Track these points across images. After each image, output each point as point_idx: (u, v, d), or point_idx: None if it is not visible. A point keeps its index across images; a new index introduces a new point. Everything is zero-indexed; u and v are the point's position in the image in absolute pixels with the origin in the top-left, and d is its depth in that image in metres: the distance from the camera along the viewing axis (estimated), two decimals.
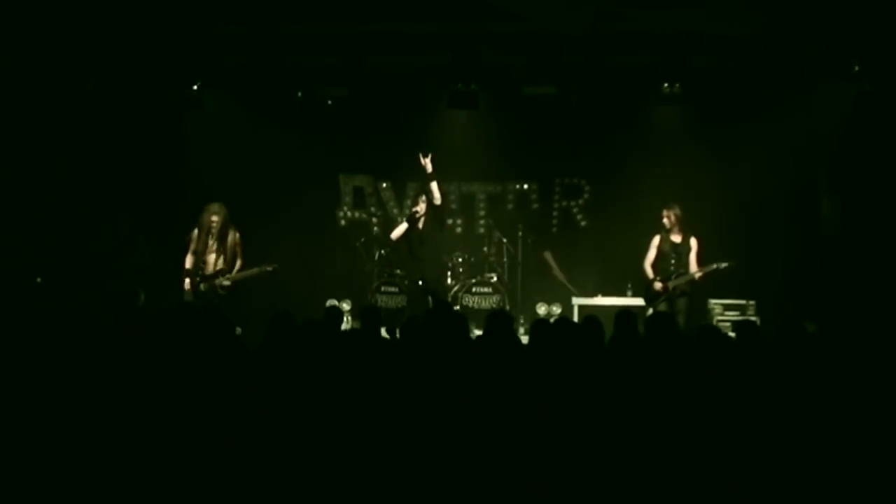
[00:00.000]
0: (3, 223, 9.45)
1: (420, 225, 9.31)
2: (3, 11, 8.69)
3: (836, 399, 4.06)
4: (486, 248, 10.49)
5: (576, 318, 9.40)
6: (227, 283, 8.73)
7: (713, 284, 9.23)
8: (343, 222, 11.26)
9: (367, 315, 6.17)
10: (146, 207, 10.41)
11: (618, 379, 4.36)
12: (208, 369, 4.33)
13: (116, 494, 3.61)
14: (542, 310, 10.38)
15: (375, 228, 11.14)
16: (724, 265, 8.91)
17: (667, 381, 4.28)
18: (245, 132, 10.52)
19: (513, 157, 10.89)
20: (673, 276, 8.99)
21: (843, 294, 9.42)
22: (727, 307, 9.69)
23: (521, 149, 10.84)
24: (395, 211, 11.12)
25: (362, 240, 10.66)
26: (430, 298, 8.97)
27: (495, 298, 9.97)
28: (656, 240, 9.16)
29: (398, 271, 9.85)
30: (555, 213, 11.12)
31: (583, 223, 11.06)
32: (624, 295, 10.00)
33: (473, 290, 10.01)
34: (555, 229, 11.12)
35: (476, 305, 9.85)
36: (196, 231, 8.83)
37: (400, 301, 9.61)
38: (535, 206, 11.08)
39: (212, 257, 8.78)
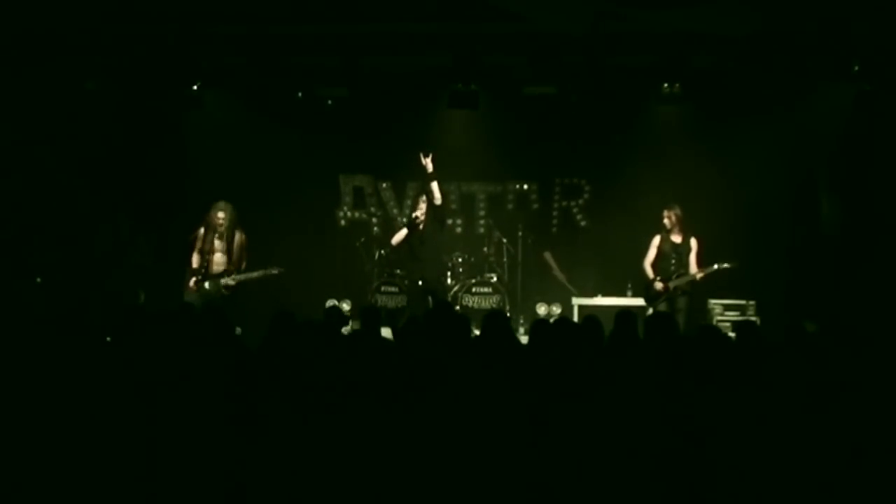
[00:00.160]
0: (3, 223, 9.44)
1: (420, 225, 9.31)
2: (4, 12, 8.68)
3: (836, 399, 4.06)
4: (486, 248, 10.49)
5: (576, 318, 9.40)
6: (231, 282, 8.72)
7: (713, 284, 9.24)
8: (343, 222, 11.26)
9: (367, 315, 6.16)
10: (146, 207, 10.41)
11: (618, 379, 4.36)
12: (208, 369, 4.33)
13: (117, 494, 3.61)
14: (542, 310, 10.38)
15: (375, 228, 11.14)
16: (725, 266, 8.91)
17: (667, 382, 4.28)
18: (245, 132, 10.53)
19: (513, 157, 10.89)
20: (673, 276, 8.99)
21: (843, 294, 9.42)
22: (727, 307, 9.69)
23: (521, 149, 10.84)
24: (395, 211, 11.12)
25: (362, 240, 10.66)
26: (430, 298, 8.98)
27: (495, 298, 9.97)
28: (656, 240, 9.16)
29: (398, 271, 9.86)
30: (555, 213, 11.12)
31: (583, 223, 11.06)
32: (624, 295, 10.00)
33: (473, 290, 10.01)
34: (555, 229, 11.12)
35: (476, 305, 9.85)
36: (202, 230, 8.83)
37: (400, 301, 9.62)
38: (535, 206, 11.08)
39: (217, 257, 8.78)
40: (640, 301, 9.33)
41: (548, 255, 10.72)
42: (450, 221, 10.62)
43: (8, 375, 4.19)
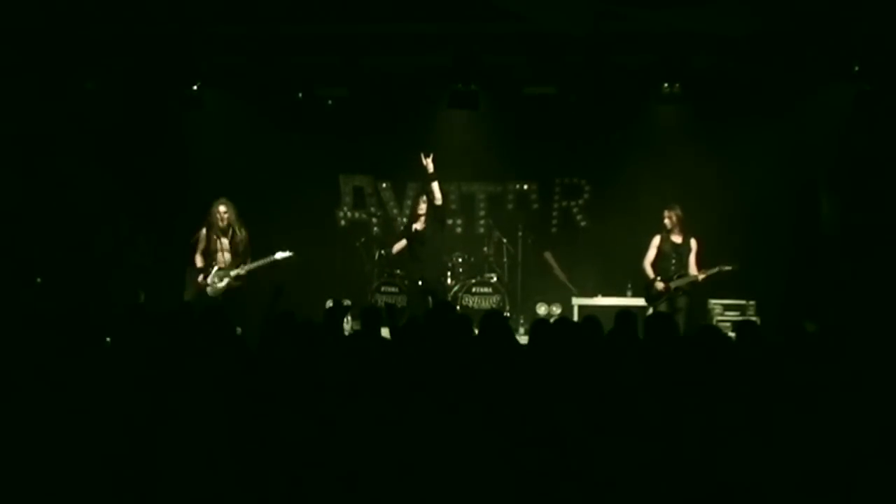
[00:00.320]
0: (3, 223, 9.45)
1: (420, 225, 9.32)
2: (4, 11, 8.68)
3: (836, 399, 4.06)
4: (486, 248, 10.49)
5: (576, 318, 9.40)
6: (242, 272, 8.71)
7: (713, 284, 9.23)
8: (343, 222, 11.26)
9: (368, 315, 6.16)
10: (146, 207, 10.41)
11: (617, 379, 4.36)
12: (209, 369, 4.33)
13: (117, 495, 3.61)
14: (542, 310, 10.38)
15: (375, 228, 11.15)
16: (727, 268, 8.91)
17: (666, 381, 4.28)
18: (245, 132, 10.52)
19: (513, 157, 10.89)
20: (674, 277, 8.99)
21: (843, 294, 9.42)
22: (727, 307, 9.70)
23: (521, 149, 10.84)
24: (395, 211, 11.12)
25: (362, 240, 10.66)
26: (430, 298, 8.98)
27: (495, 298, 9.98)
28: (656, 240, 9.16)
29: (398, 271, 9.86)
30: (555, 213, 11.12)
31: (583, 223, 11.06)
32: (624, 295, 10.00)
33: (473, 290, 10.02)
34: (555, 229, 11.12)
35: (476, 305, 9.86)
36: (204, 231, 8.82)
37: (400, 301, 9.62)
38: (535, 206, 11.09)
39: (221, 255, 8.77)
40: (640, 301, 9.33)
41: (548, 255, 10.72)
42: (450, 221, 10.63)
43: (8, 376, 4.19)
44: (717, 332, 5.14)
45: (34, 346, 4.58)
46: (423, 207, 9.30)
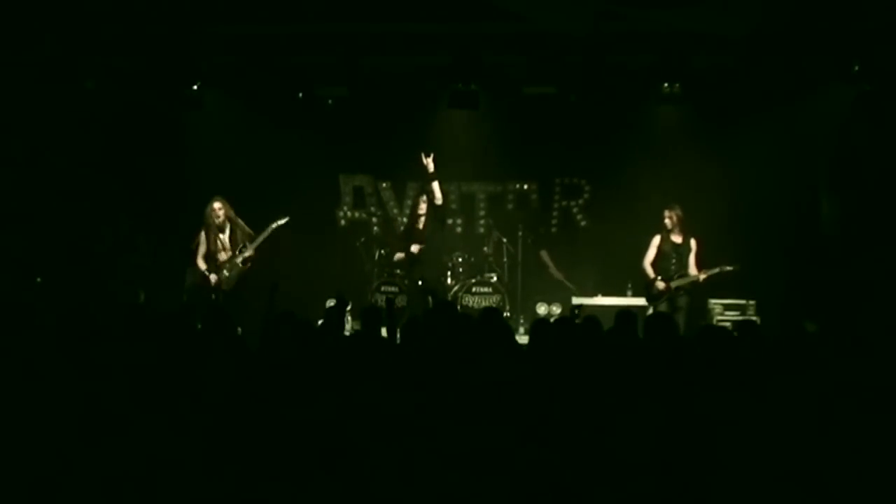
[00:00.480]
0: (3, 223, 9.45)
1: (420, 225, 9.32)
2: (4, 11, 8.68)
3: (836, 399, 4.06)
4: (486, 248, 10.50)
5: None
6: (249, 252, 8.70)
7: (713, 284, 9.24)
8: (343, 222, 11.27)
9: (368, 315, 6.17)
10: (146, 207, 10.41)
11: (617, 379, 4.36)
12: (209, 369, 4.33)
13: (118, 496, 3.61)
14: (542, 310, 10.38)
15: (375, 228, 11.15)
16: (728, 269, 8.92)
17: (666, 381, 4.29)
18: (245, 132, 10.52)
19: (513, 157, 10.89)
20: (675, 276, 8.99)
21: (843, 294, 9.42)
22: (727, 307, 9.69)
23: (521, 149, 10.84)
24: (395, 211, 11.12)
25: (362, 240, 10.66)
26: (430, 298, 8.98)
27: (495, 298, 9.98)
28: (656, 239, 9.16)
29: (398, 271, 9.86)
30: (555, 213, 11.13)
31: (583, 223, 11.07)
32: (624, 295, 10.00)
33: (473, 290, 10.02)
34: (555, 229, 11.13)
35: (476, 305, 9.86)
36: (203, 234, 8.80)
37: (400, 301, 9.62)
38: (535, 206, 11.09)
39: (224, 255, 8.77)
40: (640, 301, 9.33)
41: (544, 254, 10.72)
42: (450, 221, 10.63)
43: (8, 376, 4.19)
44: (718, 332, 5.14)
45: (34, 347, 4.58)
46: (423, 207, 9.30)
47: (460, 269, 10.20)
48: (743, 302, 9.67)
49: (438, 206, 9.21)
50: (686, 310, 9.00)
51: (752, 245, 9.76)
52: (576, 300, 9.99)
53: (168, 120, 10.49)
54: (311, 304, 9.27)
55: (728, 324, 9.14)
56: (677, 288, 8.97)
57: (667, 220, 9.12)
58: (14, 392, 4.06)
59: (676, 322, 7.54)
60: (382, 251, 10.23)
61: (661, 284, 9.00)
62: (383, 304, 9.33)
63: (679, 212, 9.12)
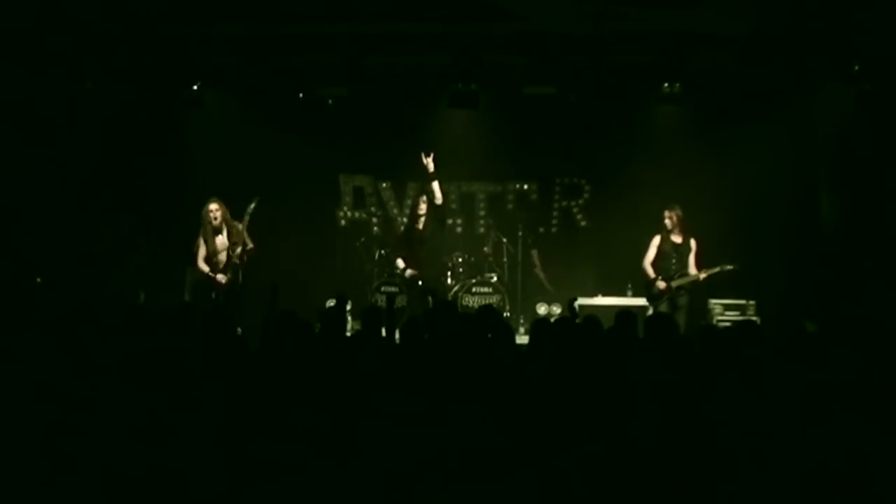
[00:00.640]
0: (3, 223, 9.44)
1: (420, 225, 9.32)
2: (4, 11, 8.68)
3: (836, 399, 4.06)
4: (486, 248, 10.50)
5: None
6: (238, 250, 8.66)
7: (713, 284, 9.23)
8: (343, 222, 11.27)
9: (369, 315, 6.17)
10: (146, 207, 10.40)
11: (618, 379, 4.37)
12: (209, 369, 4.33)
13: (117, 496, 3.61)
14: (542, 310, 10.39)
15: (375, 228, 11.15)
16: (728, 268, 8.91)
17: (667, 381, 4.29)
18: (245, 132, 10.52)
19: (513, 157, 10.90)
20: (675, 276, 8.99)
21: (843, 294, 9.42)
22: (727, 307, 9.69)
23: (521, 149, 10.84)
24: (395, 211, 11.13)
25: (362, 240, 10.66)
26: (430, 298, 8.98)
27: (495, 298, 9.97)
28: (656, 239, 9.15)
29: (398, 271, 9.86)
30: (555, 213, 11.13)
31: (583, 223, 11.07)
32: (624, 295, 10.00)
33: (473, 290, 10.01)
34: (555, 229, 11.13)
35: (476, 306, 9.85)
36: (201, 237, 8.79)
37: (400, 301, 9.62)
38: (535, 206, 11.09)
39: (223, 256, 8.76)
40: (640, 301, 9.32)
41: (534, 253, 10.72)
42: (450, 221, 10.63)
43: (8, 376, 4.20)
44: (718, 332, 5.15)
45: (34, 347, 4.58)
46: (423, 207, 9.30)
47: (460, 269, 10.20)
48: (743, 302, 9.66)
49: (438, 206, 9.21)
50: (686, 309, 8.99)
51: (752, 245, 9.76)
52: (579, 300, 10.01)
53: (168, 120, 10.49)
54: (311, 305, 9.28)
55: (728, 324, 9.14)
56: (678, 287, 8.97)
57: (667, 220, 9.12)
58: (14, 392, 4.06)
59: (677, 322, 7.56)
60: (382, 251, 10.23)
61: (661, 284, 9.00)
62: (383, 304, 9.34)
63: (679, 212, 9.12)
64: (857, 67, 9.25)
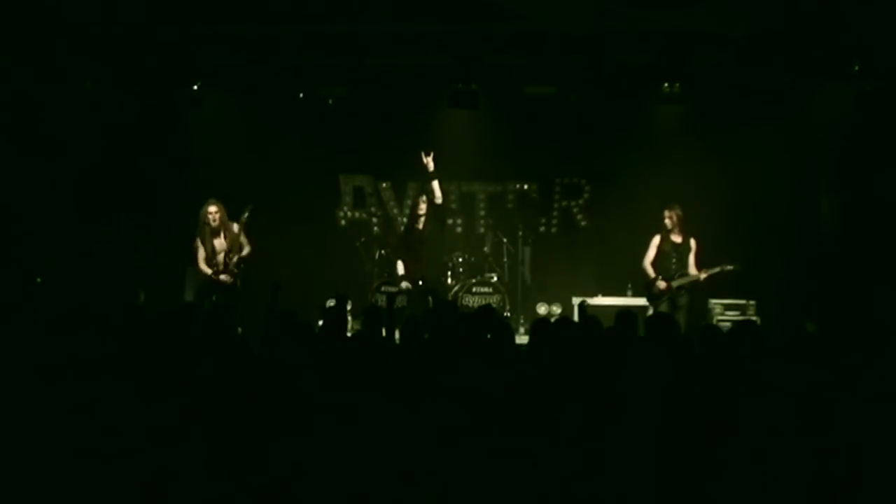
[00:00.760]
0: (3, 223, 9.44)
1: (420, 225, 9.32)
2: (4, 11, 8.68)
3: (836, 399, 4.06)
4: (485, 248, 10.50)
5: (576, 318, 9.39)
6: (235, 259, 8.65)
7: (713, 284, 9.22)
8: (343, 222, 11.26)
9: (369, 315, 6.17)
10: (146, 207, 10.40)
11: (618, 379, 4.36)
12: (210, 369, 4.33)
13: (117, 496, 3.61)
14: (542, 309, 10.38)
15: (375, 228, 11.15)
16: (728, 268, 8.91)
17: (667, 381, 4.28)
18: (245, 132, 10.52)
19: (513, 157, 10.90)
20: (675, 276, 8.99)
21: (843, 294, 9.42)
22: (727, 307, 9.69)
23: (521, 149, 10.84)
24: (395, 211, 11.12)
25: (362, 240, 10.66)
26: (430, 298, 8.98)
27: (495, 298, 9.98)
28: (656, 239, 9.15)
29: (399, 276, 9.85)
30: (555, 213, 11.13)
31: (583, 223, 11.07)
32: (624, 295, 10.00)
33: (473, 290, 10.02)
34: (555, 229, 11.13)
35: (476, 305, 9.85)
36: (199, 239, 8.77)
37: (400, 301, 9.60)
38: (535, 206, 11.09)
39: (222, 257, 8.75)
40: (640, 301, 9.32)
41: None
42: (450, 221, 10.63)
43: (8, 376, 4.19)
44: (718, 332, 5.14)
45: (34, 347, 4.58)
46: (423, 207, 9.30)
47: (460, 269, 10.20)
48: (743, 302, 9.66)
49: (438, 206, 9.20)
50: (686, 309, 8.99)
51: (752, 245, 9.77)
52: (576, 301, 10.00)
53: (168, 120, 10.48)
54: (311, 304, 9.28)
55: (728, 324, 9.14)
56: (678, 287, 8.97)
57: (667, 220, 9.11)
58: (14, 392, 4.05)
59: (677, 322, 7.55)
60: (382, 251, 10.23)
61: (661, 284, 8.99)
62: (384, 304, 9.33)
63: (679, 211, 9.11)
64: (857, 67, 9.26)
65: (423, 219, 9.32)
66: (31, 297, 9.11)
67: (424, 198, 9.32)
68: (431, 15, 9.09)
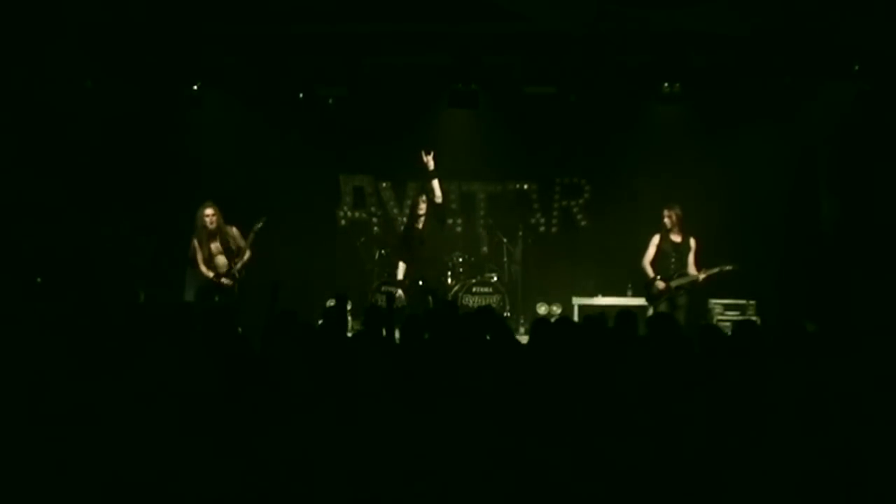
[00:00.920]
0: (3, 223, 9.44)
1: (420, 225, 9.32)
2: (3, 11, 8.68)
3: (836, 399, 4.06)
4: (485, 248, 10.49)
5: (576, 318, 9.40)
6: (239, 265, 8.66)
7: (713, 284, 9.23)
8: (343, 222, 11.26)
9: (370, 315, 6.17)
10: (146, 207, 10.40)
11: (618, 379, 4.37)
12: (210, 369, 4.33)
13: (116, 496, 3.61)
14: (542, 309, 10.39)
15: (375, 228, 11.15)
16: (728, 268, 8.91)
17: (667, 381, 4.29)
18: (245, 132, 10.51)
19: (513, 157, 10.90)
20: (674, 276, 8.98)
21: (843, 294, 9.42)
22: (727, 307, 9.70)
23: (521, 149, 10.85)
24: (396, 211, 11.13)
25: (362, 240, 10.66)
26: (430, 298, 8.97)
27: (495, 298, 9.98)
28: (656, 239, 9.15)
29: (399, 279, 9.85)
30: (555, 213, 11.13)
31: (583, 223, 11.07)
32: (624, 295, 10.00)
33: (473, 290, 10.02)
34: (555, 229, 11.13)
35: (476, 305, 9.85)
36: (196, 242, 8.76)
37: (400, 301, 9.61)
38: (535, 206, 11.09)
39: (220, 259, 8.74)
40: (640, 301, 9.32)
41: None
42: (450, 221, 10.63)
43: (8, 376, 4.19)
44: (718, 331, 5.15)
45: (34, 347, 4.58)
46: (423, 207, 9.30)
47: (460, 269, 10.20)
48: (743, 302, 9.67)
49: (438, 205, 9.21)
50: (685, 308, 8.99)
51: (752, 245, 9.78)
52: (576, 300, 10.01)
53: (168, 120, 10.48)
54: (311, 305, 9.28)
55: (728, 324, 9.14)
56: (677, 287, 8.97)
57: (666, 220, 9.11)
58: (14, 392, 4.06)
59: (678, 323, 7.55)
60: (382, 251, 10.23)
61: (660, 284, 8.99)
62: (384, 304, 9.33)
63: (678, 211, 9.11)
64: (857, 67, 9.26)
65: (423, 218, 9.32)
66: (31, 297, 9.11)
67: (424, 197, 9.32)
68: (431, 15, 9.09)
